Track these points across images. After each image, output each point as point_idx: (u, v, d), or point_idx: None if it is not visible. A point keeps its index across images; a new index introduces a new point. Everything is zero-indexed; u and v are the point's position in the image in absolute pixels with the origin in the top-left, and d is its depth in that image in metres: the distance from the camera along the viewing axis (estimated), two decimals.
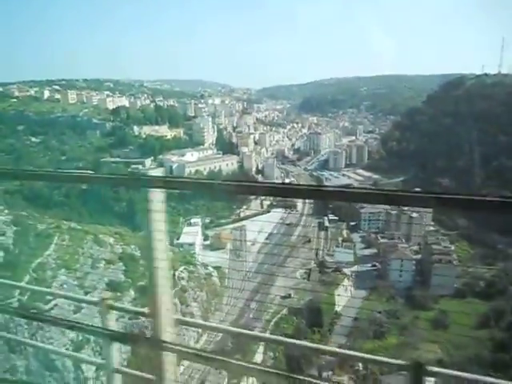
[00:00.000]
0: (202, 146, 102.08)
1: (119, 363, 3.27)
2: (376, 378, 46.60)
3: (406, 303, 62.18)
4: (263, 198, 75.75)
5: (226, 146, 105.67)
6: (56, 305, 33.88)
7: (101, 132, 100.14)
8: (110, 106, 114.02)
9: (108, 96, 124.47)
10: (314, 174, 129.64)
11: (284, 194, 2.38)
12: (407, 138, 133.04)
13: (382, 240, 75.43)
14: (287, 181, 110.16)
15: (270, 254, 70.02)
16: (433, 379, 2.41)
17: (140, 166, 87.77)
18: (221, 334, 41.42)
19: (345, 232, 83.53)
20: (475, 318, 52.76)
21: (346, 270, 67.49)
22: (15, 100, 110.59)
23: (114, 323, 3.23)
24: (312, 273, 64.53)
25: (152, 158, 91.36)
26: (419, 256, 71.24)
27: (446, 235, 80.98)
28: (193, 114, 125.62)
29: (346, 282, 63.86)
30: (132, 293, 41.85)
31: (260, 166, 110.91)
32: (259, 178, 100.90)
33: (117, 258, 46.22)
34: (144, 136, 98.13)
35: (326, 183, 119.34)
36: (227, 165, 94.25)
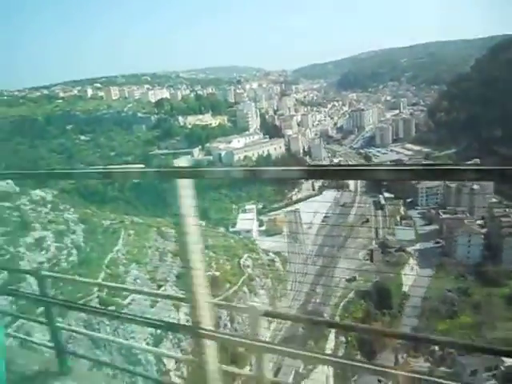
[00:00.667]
0: (247, 132, 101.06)
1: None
2: (453, 359, 44.83)
3: (476, 280, 59.18)
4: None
5: (271, 130, 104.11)
6: (133, 300, 33.92)
7: (147, 125, 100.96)
8: (153, 99, 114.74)
9: (149, 89, 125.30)
10: (361, 151, 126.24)
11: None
12: (456, 107, 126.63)
13: (444, 215, 71.93)
14: (335, 161, 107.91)
15: (328, 235, 68.61)
16: None
17: (189, 156, 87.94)
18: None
19: (402, 209, 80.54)
20: None
21: (409, 249, 64.97)
22: (61, 101, 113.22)
23: None
24: (374, 253, 62.60)
25: (200, 147, 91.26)
26: (486, 230, 67.48)
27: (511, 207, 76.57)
28: (233, 101, 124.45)
29: (410, 261, 61.53)
30: None
31: (306, 148, 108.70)
32: (307, 159, 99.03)
33: None
34: (189, 126, 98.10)
35: (375, 160, 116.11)
36: (275, 149, 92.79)
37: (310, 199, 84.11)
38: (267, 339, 41.73)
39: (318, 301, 51.33)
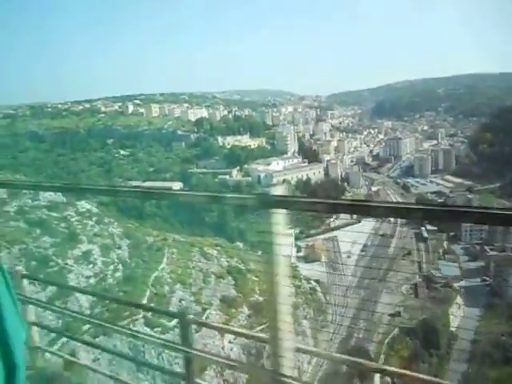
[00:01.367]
0: (285, 155, 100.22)
1: None
2: None
3: None
4: None
5: (309, 154, 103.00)
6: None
7: (186, 143, 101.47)
8: (192, 118, 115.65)
9: (188, 108, 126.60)
10: (399, 181, 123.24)
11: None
12: (500, 140, 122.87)
13: (491, 252, 68.47)
14: (374, 189, 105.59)
15: (368, 266, 66.12)
16: None
17: (227, 177, 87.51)
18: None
19: (445, 243, 77.29)
20: None
21: (455, 286, 61.79)
22: (103, 115, 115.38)
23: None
24: (419, 288, 59.64)
25: (238, 167, 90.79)
26: None
27: None
28: (271, 123, 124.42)
29: (458, 298, 58.31)
30: (246, 309, 39.97)
31: (344, 174, 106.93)
32: (345, 186, 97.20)
33: (225, 272, 44.73)
34: (228, 146, 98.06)
35: (413, 191, 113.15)
36: (314, 173, 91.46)
37: (348, 227, 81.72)
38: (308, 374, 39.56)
39: (360, 336, 48.72)
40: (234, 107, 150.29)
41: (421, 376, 2.86)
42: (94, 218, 43.60)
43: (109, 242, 39.72)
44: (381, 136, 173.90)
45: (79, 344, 16.41)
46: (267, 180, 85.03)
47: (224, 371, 29.66)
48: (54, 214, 39.78)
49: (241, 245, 68.25)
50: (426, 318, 51.21)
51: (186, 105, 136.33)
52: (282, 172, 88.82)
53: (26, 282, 4.85)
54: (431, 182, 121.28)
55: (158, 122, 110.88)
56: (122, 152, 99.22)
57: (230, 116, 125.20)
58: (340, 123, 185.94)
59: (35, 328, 4.78)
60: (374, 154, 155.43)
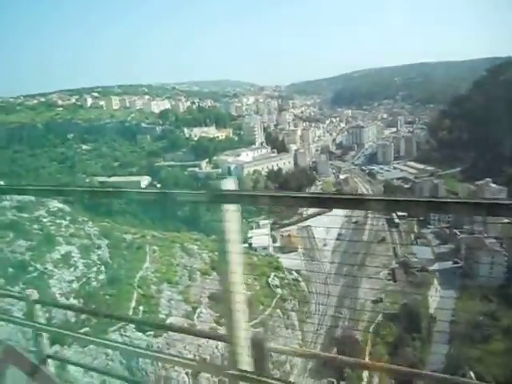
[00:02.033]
0: (253, 146, 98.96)
1: None
2: None
3: (502, 302, 57.30)
4: None
5: (278, 145, 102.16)
6: (171, 323, 31.00)
7: (151, 136, 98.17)
8: (155, 110, 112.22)
9: (150, 100, 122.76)
10: (364, 168, 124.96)
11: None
12: (458, 126, 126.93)
13: (461, 235, 70.41)
14: (342, 177, 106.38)
15: (346, 254, 66.44)
16: None
17: (197, 169, 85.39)
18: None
19: (416, 228, 78.85)
20: None
21: (431, 269, 63.10)
22: (60, 109, 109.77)
23: None
24: (397, 273, 60.44)
25: (207, 159, 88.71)
26: (506, 250, 66.00)
27: None
28: (236, 114, 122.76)
29: (434, 281, 59.53)
30: None
31: (311, 163, 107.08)
32: (315, 174, 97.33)
33: (209, 268, 43.23)
34: (195, 138, 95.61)
35: (379, 177, 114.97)
36: (284, 164, 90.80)
37: (321, 216, 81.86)
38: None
39: (346, 324, 48.75)
40: (196, 98, 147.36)
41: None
42: (68, 218, 41.06)
43: (87, 243, 37.38)
44: (342, 124, 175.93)
45: None
46: (238, 171, 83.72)
47: None
48: (25, 215, 37.00)
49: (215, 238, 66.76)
50: (408, 303, 51.87)
51: (147, 96, 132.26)
52: (252, 163, 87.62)
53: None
54: (395, 168, 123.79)
55: (120, 114, 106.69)
56: (84, 147, 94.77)
57: (194, 107, 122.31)
58: (302, 112, 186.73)
59: None
60: (338, 142, 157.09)
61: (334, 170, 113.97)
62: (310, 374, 40.03)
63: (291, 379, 35.23)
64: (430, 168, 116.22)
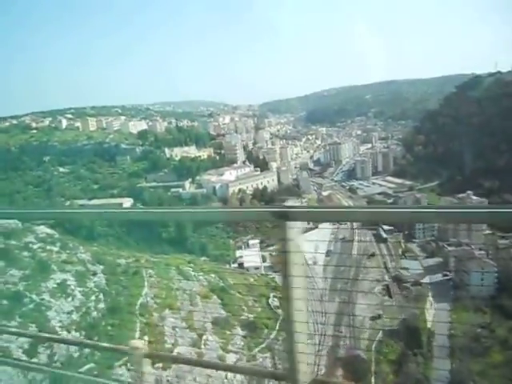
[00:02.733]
0: (235, 165, 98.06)
1: None
2: None
3: (495, 314, 57.49)
4: None
5: (260, 163, 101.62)
6: (179, 353, 29.32)
7: (131, 157, 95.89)
8: (133, 130, 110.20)
9: (127, 120, 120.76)
10: (344, 184, 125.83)
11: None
12: (433, 141, 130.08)
13: (449, 248, 70.93)
14: (324, 193, 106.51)
15: (338, 270, 65.85)
16: None
17: (180, 190, 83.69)
18: None
19: (402, 242, 79.14)
20: None
21: (424, 283, 63.04)
22: (35, 131, 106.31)
23: None
24: (391, 288, 60.02)
25: (190, 179, 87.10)
26: (494, 262, 66.76)
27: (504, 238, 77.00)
28: (215, 133, 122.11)
29: (429, 295, 59.38)
30: (239, 330, 37.19)
31: (294, 181, 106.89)
32: (299, 191, 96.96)
33: (208, 291, 41.62)
34: (177, 158, 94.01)
35: (360, 193, 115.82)
36: (268, 182, 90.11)
37: (307, 233, 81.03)
38: None
39: (348, 343, 47.60)
40: (172, 118, 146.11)
41: None
42: (58, 244, 38.69)
43: (81, 269, 35.24)
44: (318, 142, 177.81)
45: None
46: (223, 190, 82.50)
47: None
48: (14, 242, 34.52)
49: (207, 259, 65.32)
50: (407, 319, 51.31)
51: (123, 117, 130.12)
52: (237, 181, 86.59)
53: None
54: (374, 183, 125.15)
55: (98, 135, 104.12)
56: (61, 169, 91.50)
57: (172, 127, 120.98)
58: (278, 131, 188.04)
59: None
60: (315, 159, 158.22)
61: (315, 187, 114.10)
62: None
63: None
64: (408, 182, 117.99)
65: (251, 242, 71.53)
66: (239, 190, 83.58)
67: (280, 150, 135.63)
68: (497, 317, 56.34)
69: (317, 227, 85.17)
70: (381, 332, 49.93)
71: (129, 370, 26.76)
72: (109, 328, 29.30)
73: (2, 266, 30.06)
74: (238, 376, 31.50)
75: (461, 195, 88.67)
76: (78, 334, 27.19)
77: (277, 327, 40.37)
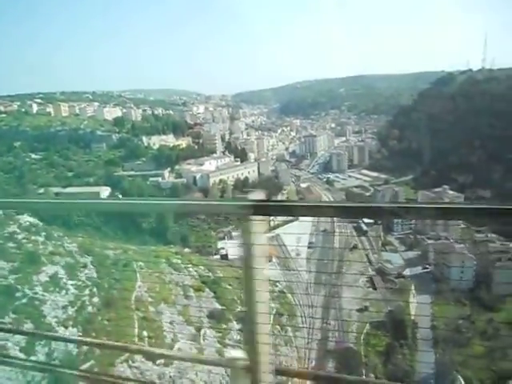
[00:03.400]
0: (215, 155, 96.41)
1: None
2: None
3: (474, 306, 58.99)
4: None
5: (239, 153, 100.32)
6: (179, 349, 28.32)
7: (107, 144, 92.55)
8: (108, 117, 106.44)
9: (101, 107, 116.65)
10: (320, 176, 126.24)
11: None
12: (407, 135, 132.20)
13: (429, 241, 72.17)
14: (303, 185, 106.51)
15: (321, 263, 65.91)
16: None
17: (159, 179, 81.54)
18: None
19: (382, 235, 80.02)
20: None
21: (406, 275, 63.95)
22: (4, 115, 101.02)
23: None
24: (375, 280, 60.53)
25: (169, 169, 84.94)
26: (472, 255, 68.36)
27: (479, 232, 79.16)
28: (192, 122, 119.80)
29: (412, 287, 60.21)
30: (235, 324, 36.37)
31: (273, 172, 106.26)
32: (279, 183, 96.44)
33: (200, 283, 40.60)
34: (155, 146, 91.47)
35: (337, 186, 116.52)
36: (248, 172, 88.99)
37: (288, 224, 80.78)
38: None
39: (337, 336, 47.65)
40: (145, 106, 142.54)
41: None
42: (43, 233, 36.72)
43: (71, 261, 33.48)
44: (293, 134, 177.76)
45: None
46: (203, 181, 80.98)
47: None
48: None
49: (189, 250, 63.98)
50: (393, 311, 51.86)
51: (96, 103, 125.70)
52: (217, 172, 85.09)
53: None
54: (350, 176, 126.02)
55: (72, 121, 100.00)
56: (33, 156, 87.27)
57: (148, 115, 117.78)
58: (253, 122, 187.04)
59: None
60: (290, 151, 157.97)
61: (293, 179, 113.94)
62: None
63: None
64: (383, 176, 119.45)
65: (234, 233, 70.47)
66: (220, 180, 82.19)
67: (257, 141, 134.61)
68: (476, 309, 57.90)
69: (297, 219, 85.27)
70: (368, 324, 50.28)
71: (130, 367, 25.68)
72: (106, 323, 27.91)
73: None
74: None
75: (437, 189, 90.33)
76: (75, 330, 25.71)
77: (271, 321, 39.85)
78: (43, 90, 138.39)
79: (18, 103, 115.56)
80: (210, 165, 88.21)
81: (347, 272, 61.54)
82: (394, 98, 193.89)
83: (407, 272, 67.40)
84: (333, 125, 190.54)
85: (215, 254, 67.63)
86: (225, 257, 65.33)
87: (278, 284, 52.17)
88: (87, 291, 29.98)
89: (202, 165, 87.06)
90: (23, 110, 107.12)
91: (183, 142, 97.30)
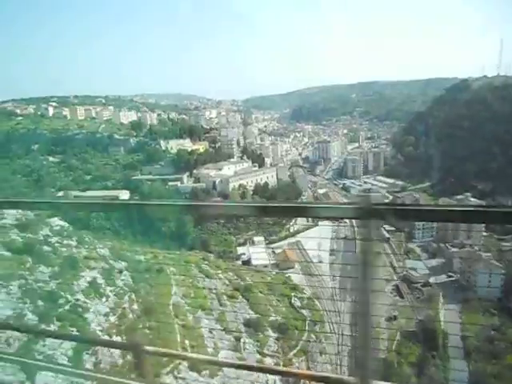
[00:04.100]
0: (233, 159, 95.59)
1: None
2: None
3: (505, 315, 57.46)
4: None
5: (257, 158, 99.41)
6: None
7: (125, 148, 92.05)
8: (124, 121, 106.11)
9: (118, 110, 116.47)
10: (336, 182, 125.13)
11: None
12: (423, 142, 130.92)
13: (453, 249, 70.74)
14: (320, 191, 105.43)
15: (344, 270, 64.63)
16: None
17: (178, 183, 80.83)
18: None
19: (404, 243, 78.61)
20: None
21: (433, 283, 62.54)
22: (21, 118, 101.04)
23: None
24: (402, 289, 59.20)
25: (188, 173, 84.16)
26: (499, 264, 66.84)
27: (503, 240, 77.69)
28: (208, 127, 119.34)
29: (440, 296, 58.80)
30: (271, 332, 35.28)
31: (291, 177, 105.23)
32: (298, 188, 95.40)
33: (233, 290, 39.57)
34: (173, 151, 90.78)
35: (353, 192, 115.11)
36: (267, 178, 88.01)
37: (308, 231, 79.81)
38: None
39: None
40: (159, 110, 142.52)
41: None
42: (74, 237, 35.94)
43: (106, 267, 32.62)
44: (305, 139, 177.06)
45: None
46: (223, 185, 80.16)
47: None
48: (31, 236, 31.65)
49: (211, 255, 62.93)
50: (423, 320, 50.56)
51: (111, 107, 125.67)
52: (237, 177, 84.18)
53: None
54: (365, 182, 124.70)
55: (89, 125, 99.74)
56: (50, 159, 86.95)
57: (165, 119, 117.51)
58: (265, 127, 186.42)
59: None
60: (304, 156, 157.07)
61: (309, 185, 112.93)
62: None
63: None
64: (399, 182, 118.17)
65: (256, 238, 69.51)
66: (240, 185, 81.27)
67: (271, 147, 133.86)
68: (506, 319, 56.34)
69: (317, 225, 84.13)
70: (399, 333, 49.00)
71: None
72: (147, 331, 26.93)
73: (31, 263, 27.34)
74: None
75: (459, 197, 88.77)
76: (119, 338, 24.76)
77: (306, 329, 38.81)
78: (57, 94, 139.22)
79: (34, 106, 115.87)
80: (228, 170, 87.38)
81: (374, 279, 60.14)
82: (407, 105, 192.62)
83: (432, 280, 66.04)
84: (345, 130, 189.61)
85: (236, 260, 66.66)
86: (246, 262, 64.42)
87: (305, 291, 51.00)
88: (126, 298, 29.07)
89: (220, 169, 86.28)
90: (39, 113, 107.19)
91: (200, 147, 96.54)
